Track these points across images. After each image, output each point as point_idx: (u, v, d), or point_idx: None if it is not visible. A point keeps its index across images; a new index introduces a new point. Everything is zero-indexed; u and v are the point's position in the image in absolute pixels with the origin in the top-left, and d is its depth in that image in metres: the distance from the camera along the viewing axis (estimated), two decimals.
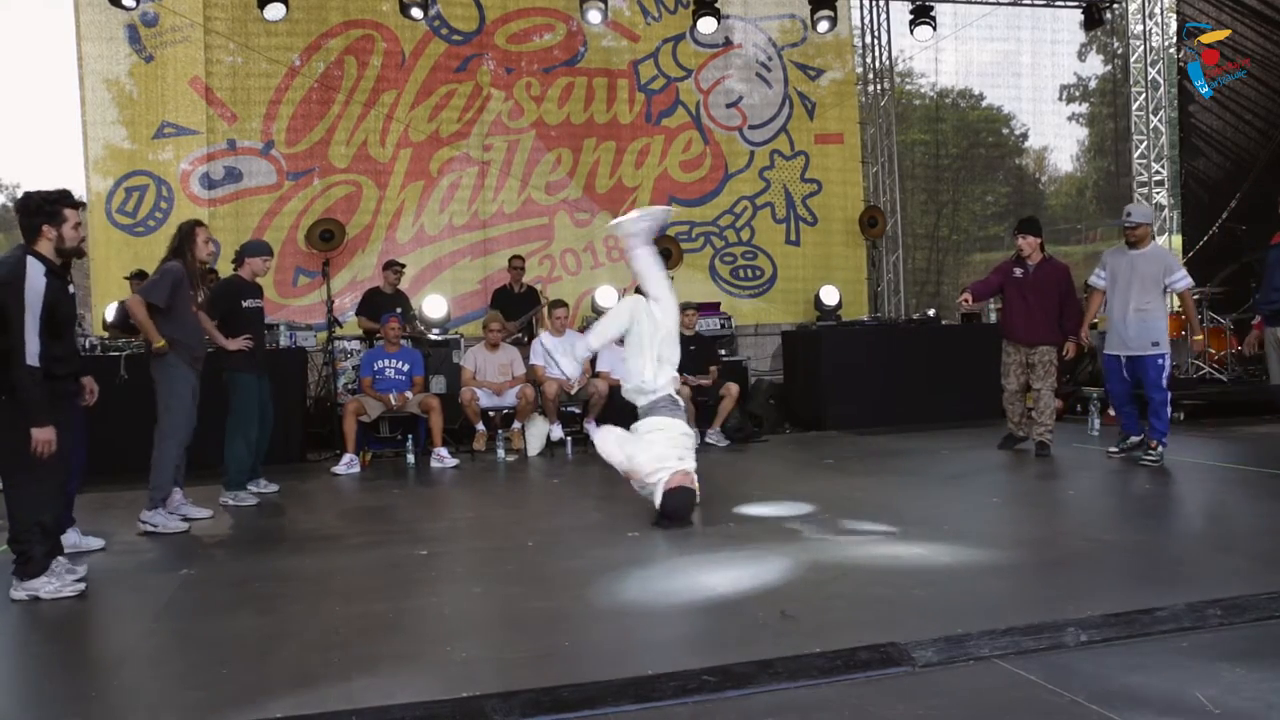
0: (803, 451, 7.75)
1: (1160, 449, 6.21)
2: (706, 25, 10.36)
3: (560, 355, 7.77)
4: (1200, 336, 6.43)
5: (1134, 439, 6.53)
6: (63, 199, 4.04)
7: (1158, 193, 12.10)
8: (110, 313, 8.20)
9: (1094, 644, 2.93)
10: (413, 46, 10.13)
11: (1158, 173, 12.09)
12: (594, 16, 10.08)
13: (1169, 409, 6.32)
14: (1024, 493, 5.91)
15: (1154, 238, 6.58)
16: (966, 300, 7.34)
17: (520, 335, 8.66)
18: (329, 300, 8.35)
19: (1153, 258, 6.34)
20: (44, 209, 3.94)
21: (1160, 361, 6.24)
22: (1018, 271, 7.06)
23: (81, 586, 3.86)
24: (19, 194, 4.69)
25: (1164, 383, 6.26)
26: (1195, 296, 9.76)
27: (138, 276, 7.89)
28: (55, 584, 3.81)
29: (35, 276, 3.77)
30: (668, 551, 4.30)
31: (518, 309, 8.98)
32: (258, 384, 6.16)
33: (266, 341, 8.01)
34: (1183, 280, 6.31)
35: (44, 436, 3.75)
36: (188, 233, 5.48)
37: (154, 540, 4.97)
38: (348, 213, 9.85)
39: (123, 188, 9.33)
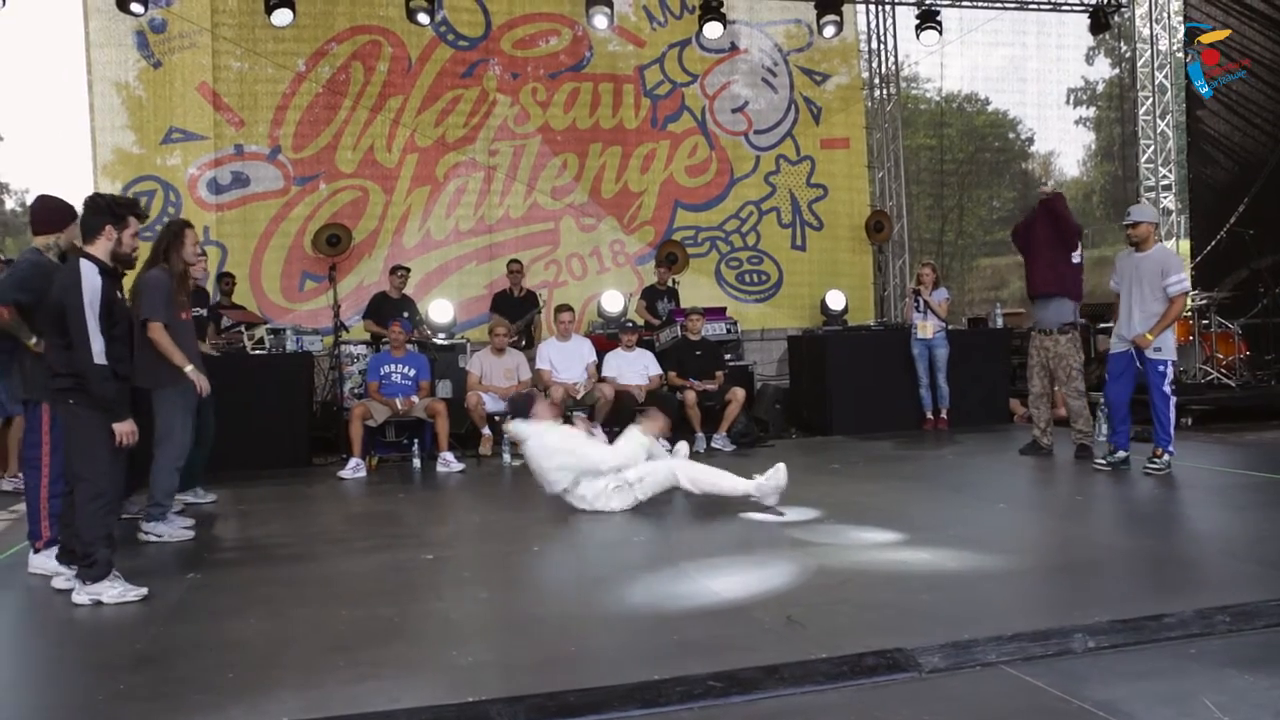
0: (809, 456, 7.72)
1: (1167, 457, 6.00)
2: (712, 30, 10.36)
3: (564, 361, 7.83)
4: (1150, 337, 6.12)
5: (1121, 454, 6.18)
6: (132, 207, 4.08)
7: (1165, 197, 12.07)
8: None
9: (1102, 650, 2.92)
10: (419, 52, 10.16)
11: (1165, 177, 12.07)
12: (600, 22, 10.09)
13: (1172, 415, 6.07)
14: (1031, 498, 5.90)
15: (1158, 240, 6.34)
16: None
17: (518, 339, 8.63)
18: (335, 305, 8.35)
19: (1154, 260, 6.10)
20: (113, 210, 3.96)
21: (1161, 368, 6.00)
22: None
23: (144, 591, 3.85)
24: (28, 199, 4.68)
25: (1166, 388, 6.01)
26: (1203, 301, 9.77)
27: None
28: (119, 588, 3.81)
29: (90, 275, 3.78)
30: (674, 556, 4.30)
31: (517, 313, 8.98)
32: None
33: (272, 347, 8.10)
34: (1177, 284, 6.00)
35: (125, 429, 3.85)
36: (176, 234, 5.14)
37: (160, 545, 4.97)
38: (354, 217, 9.88)
39: (131, 192, 9.36)
